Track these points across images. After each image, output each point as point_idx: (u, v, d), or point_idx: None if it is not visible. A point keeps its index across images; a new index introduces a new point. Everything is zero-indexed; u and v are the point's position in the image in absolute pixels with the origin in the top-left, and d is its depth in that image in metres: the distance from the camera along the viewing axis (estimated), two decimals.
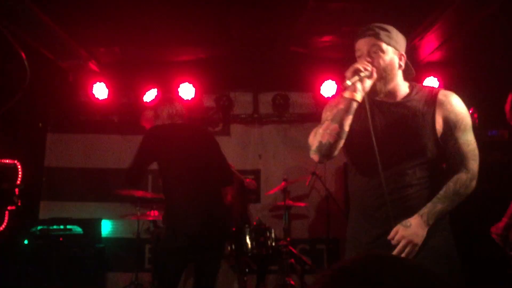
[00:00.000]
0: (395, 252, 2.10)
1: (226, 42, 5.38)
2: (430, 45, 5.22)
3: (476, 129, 6.03)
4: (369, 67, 2.20)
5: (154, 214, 5.41)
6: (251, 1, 4.34)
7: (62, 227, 5.45)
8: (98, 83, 5.99)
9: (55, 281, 5.10)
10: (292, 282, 5.30)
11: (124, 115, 6.31)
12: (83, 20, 4.62)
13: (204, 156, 3.74)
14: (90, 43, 5.33)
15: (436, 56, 5.60)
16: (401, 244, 2.12)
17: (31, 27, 4.54)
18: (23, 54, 4.34)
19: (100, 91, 6.01)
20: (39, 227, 5.44)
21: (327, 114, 2.33)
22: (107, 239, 5.95)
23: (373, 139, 2.20)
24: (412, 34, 4.95)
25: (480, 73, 5.79)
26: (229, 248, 4.89)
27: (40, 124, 6.33)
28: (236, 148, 6.43)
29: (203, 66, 5.96)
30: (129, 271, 5.66)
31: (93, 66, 5.82)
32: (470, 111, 5.72)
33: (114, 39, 5.21)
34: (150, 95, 6.06)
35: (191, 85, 6.03)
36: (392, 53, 2.27)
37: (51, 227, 5.43)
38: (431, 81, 5.96)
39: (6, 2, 3.97)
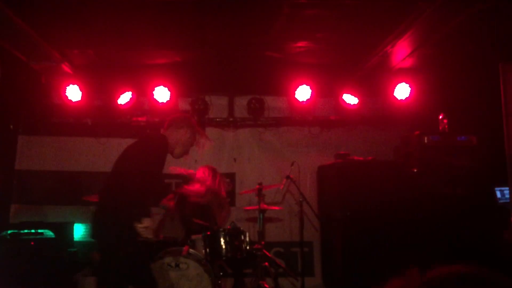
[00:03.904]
0: None
1: (202, 45, 5.39)
2: (402, 52, 5.32)
3: (446, 135, 6.16)
4: None
5: None
6: (226, 5, 4.36)
7: (33, 231, 5.36)
8: (71, 85, 5.92)
9: (26, 286, 5.02)
10: (266, 285, 5.32)
11: (98, 117, 6.24)
12: (56, 22, 4.57)
13: None
14: (63, 45, 5.27)
15: (408, 62, 5.72)
16: None
17: (3, 28, 4.47)
18: None
19: (73, 93, 5.94)
20: (9, 231, 5.33)
21: None
22: (80, 242, 5.88)
23: None
24: (384, 41, 5.05)
25: (450, 79, 5.93)
26: (203, 251, 4.88)
27: (11, 126, 6.22)
28: (211, 151, 6.43)
29: (179, 69, 5.95)
30: None
31: (66, 68, 5.76)
32: (440, 117, 5.85)
33: (88, 41, 5.17)
34: (124, 98, 6.03)
35: (166, 88, 6.01)
36: None
37: (22, 231, 5.33)
38: (402, 87, 6.08)
39: None
